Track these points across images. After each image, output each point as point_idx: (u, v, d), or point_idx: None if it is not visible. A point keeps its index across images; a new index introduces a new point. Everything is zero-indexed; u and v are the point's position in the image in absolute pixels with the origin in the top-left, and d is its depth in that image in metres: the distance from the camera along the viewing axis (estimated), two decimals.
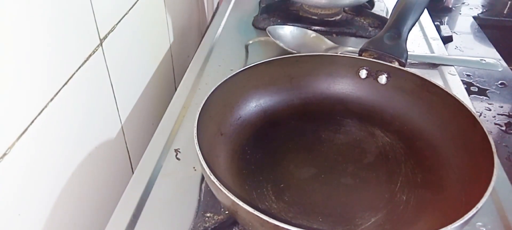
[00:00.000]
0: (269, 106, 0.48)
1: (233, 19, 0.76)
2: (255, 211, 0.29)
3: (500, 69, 0.65)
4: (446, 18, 1.03)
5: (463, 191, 0.36)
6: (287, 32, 0.67)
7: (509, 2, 1.10)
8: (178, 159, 0.47)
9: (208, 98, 0.41)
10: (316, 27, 0.70)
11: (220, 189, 0.31)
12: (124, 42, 0.50)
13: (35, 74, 0.34)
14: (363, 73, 0.49)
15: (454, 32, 0.94)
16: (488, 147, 0.36)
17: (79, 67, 0.40)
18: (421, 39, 0.72)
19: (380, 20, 0.73)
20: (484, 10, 1.08)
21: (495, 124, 0.67)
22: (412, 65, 0.62)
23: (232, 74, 0.45)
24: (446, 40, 0.83)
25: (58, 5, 0.36)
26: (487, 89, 0.74)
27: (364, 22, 0.74)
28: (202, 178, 0.43)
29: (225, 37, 0.71)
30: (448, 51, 0.72)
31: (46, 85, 0.35)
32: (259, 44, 0.69)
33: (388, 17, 0.58)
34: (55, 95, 0.36)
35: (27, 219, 0.35)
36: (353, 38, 0.70)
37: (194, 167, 0.45)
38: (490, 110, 0.70)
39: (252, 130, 0.46)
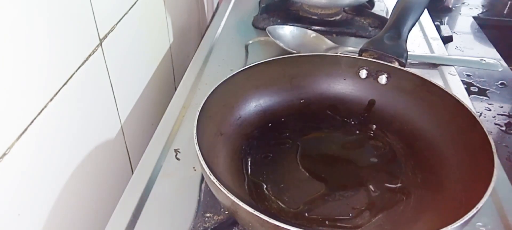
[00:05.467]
0: (269, 106, 0.48)
1: (233, 19, 0.76)
2: (255, 211, 0.29)
3: (500, 69, 0.65)
4: (446, 18, 1.03)
5: (463, 191, 0.36)
6: (287, 32, 0.67)
7: (509, 2, 1.10)
8: (178, 159, 0.46)
9: (208, 98, 0.41)
10: (316, 27, 0.70)
11: (220, 189, 0.31)
12: (124, 42, 0.50)
13: (34, 74, 0.34)
14: (363, 73, 0.49)
15: (454, 32, 0.94)
16: (488, 147, 0.36)
17: (79, 67, 0.40)
18: (421, 39, 0.72)
19: (380, 20, 0.73)
20: (484, 10, 1.08)
21: (495, 124, 0.67)
22: (412, 65, 0.62)
23: (232, 74, 0.44)
24: (446, 40, 0.83)
25: (57, 5, 0.36)
26: (487, 90, 0.74)
27: (364, 22, 0.74)
28: (202, 178, 0.43)
29: (225, 37, 0.71)
30: (448, 51, 0.72)
31: (46, 85, 0.35)
32: (259, 44, 0.68)
33: (388, 17, 0.58)
34: (54, 95, 0.36)
35: (27, 219, 0.35)
36: (353, 38, 0.70)
37: (194, 167, 0.45)
38: (490, 110, 0.70)
39: (252, 130, 0.46)
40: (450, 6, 1.07)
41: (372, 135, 0.47)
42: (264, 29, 0.67)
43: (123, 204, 0.41)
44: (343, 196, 0.40)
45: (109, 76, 0.46)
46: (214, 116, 0.42)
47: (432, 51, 0.68)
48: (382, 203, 0.39)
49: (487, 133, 0.37)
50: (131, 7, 0.51)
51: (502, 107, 0.70)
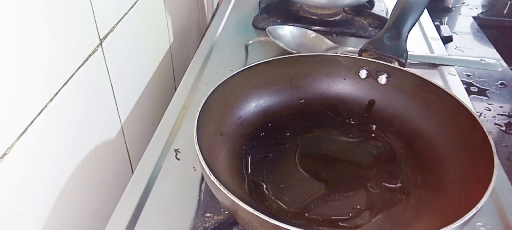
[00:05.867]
0: (269, 106, 0.48)
1: (233, 19, 0.76)
2: (255, 211, 0.29)
3: (500, 69, 0.65)
4: (446, 18, 1.03)
5: (463, 191, 0.36)
6: (287, 32, 0.67)
7: (509, 2, 1.10)
8: (178, 159, 0.47)
9: (208, 98, 0.41)
10: (316, 27, 0.70)
11: (220, 189, 0.31)
12: (124, 42, 0.50)
13: (35, 74, 0.34)
14: (363, 73, 0.49)
15: (454, 32, 0.94)
16: (488, 147, 0.36)
17: (79, 67, 0.40)
18: (421, 39, 0.72)
19: (380, 20, 0.73)
20: (484, 10, 1.08)
21: (495, 124, 0.67)
22: (412, 65, 0.62)
23: (232, 74, 0.44)
24: (446, 40, 0.83)
25: (58, 5, 0.36)
26: (487, 90, 0.74)
27: (364, 22, 0.74)
28: (202, 178, 0.43)
29: (225, 37, 0.71)
30: (448, 51, 0.72)
31: (46, 85, 0.35)
32: (259, 44, 0.68)
33: (388, 17, 0.58)
34: (55, 95, 0.36)
35: (27, 219, 0.35)
36: (353, 38, 0.70)
37: (194, 167, 0.45)
38: (490, 110, 0.70)
39: (252, 130, 0.46)
40: (450, 6, 1.07)
41: (372, 135, 0.47)
42: (264, 29, 0.67)
43: (123, 204, 0.41)
44: (343, 196, 0.40)
45: (109, 76, 0.46)
46: (214, 116, 0.42)
47: (432, 51, 0.68)
48: (382, 203, 0.39)
49: (487, 133, 0.37)
50: (131, 7, 0.51)
51: (502, 107, 0.70)
